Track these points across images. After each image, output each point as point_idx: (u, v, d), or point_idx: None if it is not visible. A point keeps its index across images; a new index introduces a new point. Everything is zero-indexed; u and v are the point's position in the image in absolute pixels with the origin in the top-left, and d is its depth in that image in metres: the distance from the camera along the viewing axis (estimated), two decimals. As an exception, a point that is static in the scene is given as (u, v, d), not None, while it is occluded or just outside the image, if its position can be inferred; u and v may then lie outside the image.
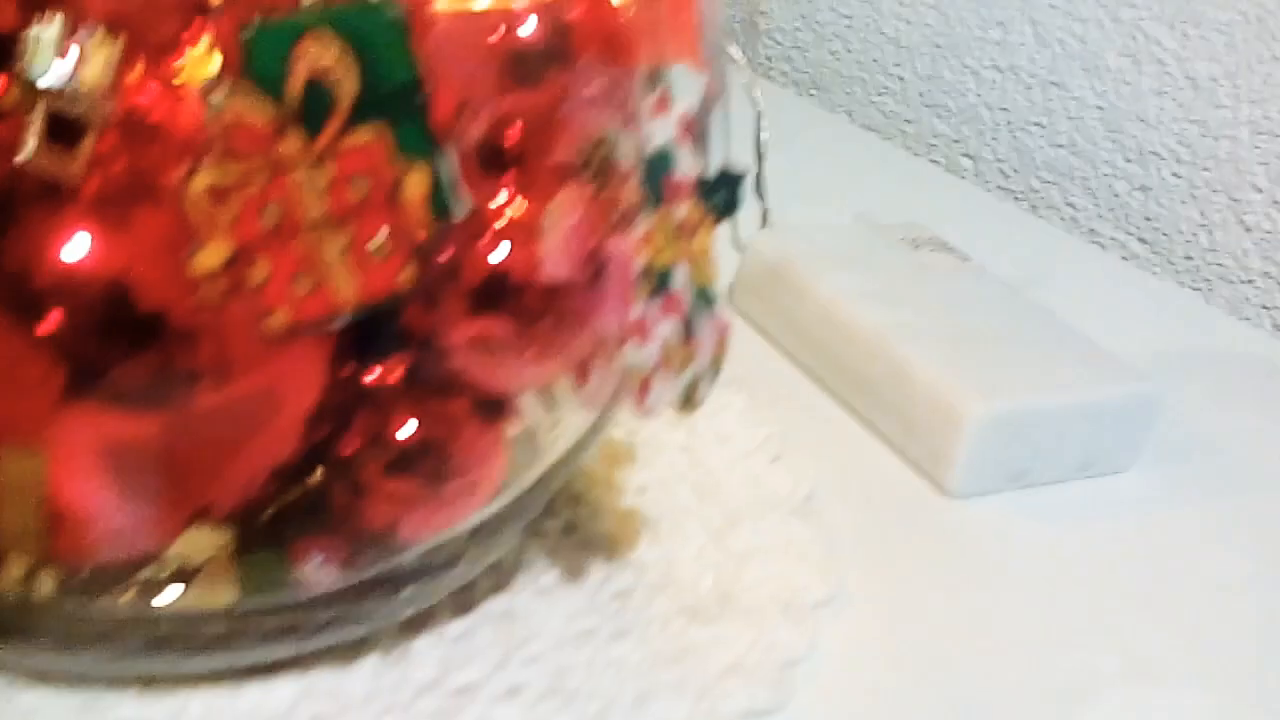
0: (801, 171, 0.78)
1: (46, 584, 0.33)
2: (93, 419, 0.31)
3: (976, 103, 0.86)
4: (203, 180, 0.26)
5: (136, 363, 0.32)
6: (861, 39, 0.92)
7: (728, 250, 0.62)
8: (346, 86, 0.27)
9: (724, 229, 0.36)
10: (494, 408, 0.38)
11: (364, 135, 0.28)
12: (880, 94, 0.92)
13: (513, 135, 0.34)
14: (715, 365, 0.35)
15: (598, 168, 0.32)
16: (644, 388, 0.32)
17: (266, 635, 0.37)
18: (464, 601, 0.42)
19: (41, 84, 0.28)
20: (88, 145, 0.28)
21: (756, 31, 0.71)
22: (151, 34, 0.29)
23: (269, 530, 0.37)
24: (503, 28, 0.34)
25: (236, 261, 0.27)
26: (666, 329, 0.32)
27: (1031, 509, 0.51)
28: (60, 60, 0.28)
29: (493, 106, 0.33)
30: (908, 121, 0.91)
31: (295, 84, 0.27)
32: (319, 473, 0.37)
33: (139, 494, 0.32)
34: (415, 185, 0.28)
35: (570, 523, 0.46)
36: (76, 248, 0.30)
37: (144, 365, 0.32)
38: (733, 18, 0.86)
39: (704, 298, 0.34)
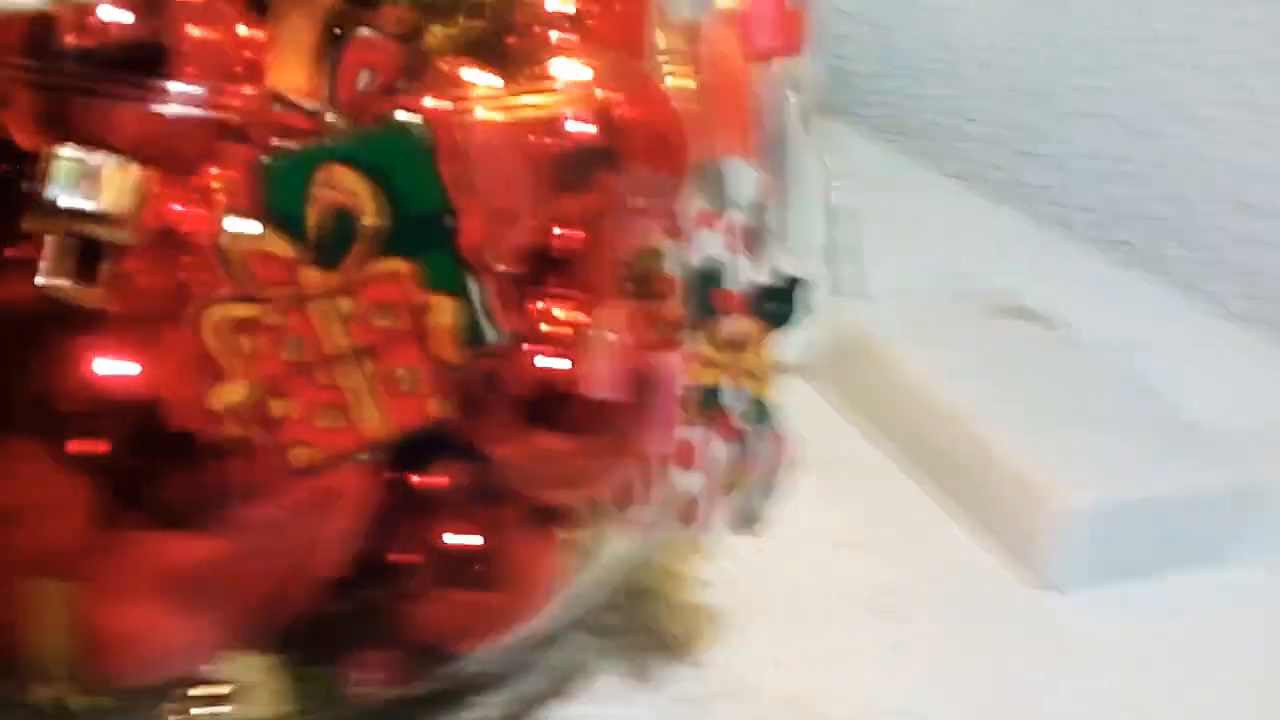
0: (881, 219, 0.76)
1: (78, 702, 0.32)
2: (132, 541, 0.30)
3: (1064, 150, 0.83)
4: (219, 313, 0.25)
5: (173, 482, 0.30)
6: (940, 81, 0.90)
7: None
8: (369, 217, 0.26)
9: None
10: (547, 515, 0.36)
11: (390, 265, 0.26)
12: (962, 140, 0.89)
13: (559, 242, 0.32)
14: (774, 482, 0.33)
15: (644, 281, 0.30)
16: (692, 512, 0.30)
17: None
18: (527, 711, 0.40)
19: (62, 204, 0.27)
20: (107, 268, 0.27)
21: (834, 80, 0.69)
22: (175, 156, 0.28)
23: (317, 641, 0.35)
24: (547, 130, 0.32)
25: (257, 396, 0.25)
26: (719, 450, 0.31)
27: (1129, 603, 0.48)
28: (81, 182, 0.27)
29: (538, 211, 0.32)
30: (995, 168, 0.88)
31: (315, 216, 0.25)
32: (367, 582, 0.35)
33: (184, 615, 0.31)
34: (444, 314, 0.27)
35: (633, 620, 0.44)
36: (105, 367, 0.29)
37: (180, 484, 0.31)
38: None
39: (762, 412, 0.32)
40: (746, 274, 0.31)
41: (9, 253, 0.28)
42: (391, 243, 0.26)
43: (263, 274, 0.25)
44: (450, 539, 0.35)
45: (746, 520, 0.32)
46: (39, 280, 0.26)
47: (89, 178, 0.27)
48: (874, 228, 0.66)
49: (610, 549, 0.39)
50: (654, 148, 0.35)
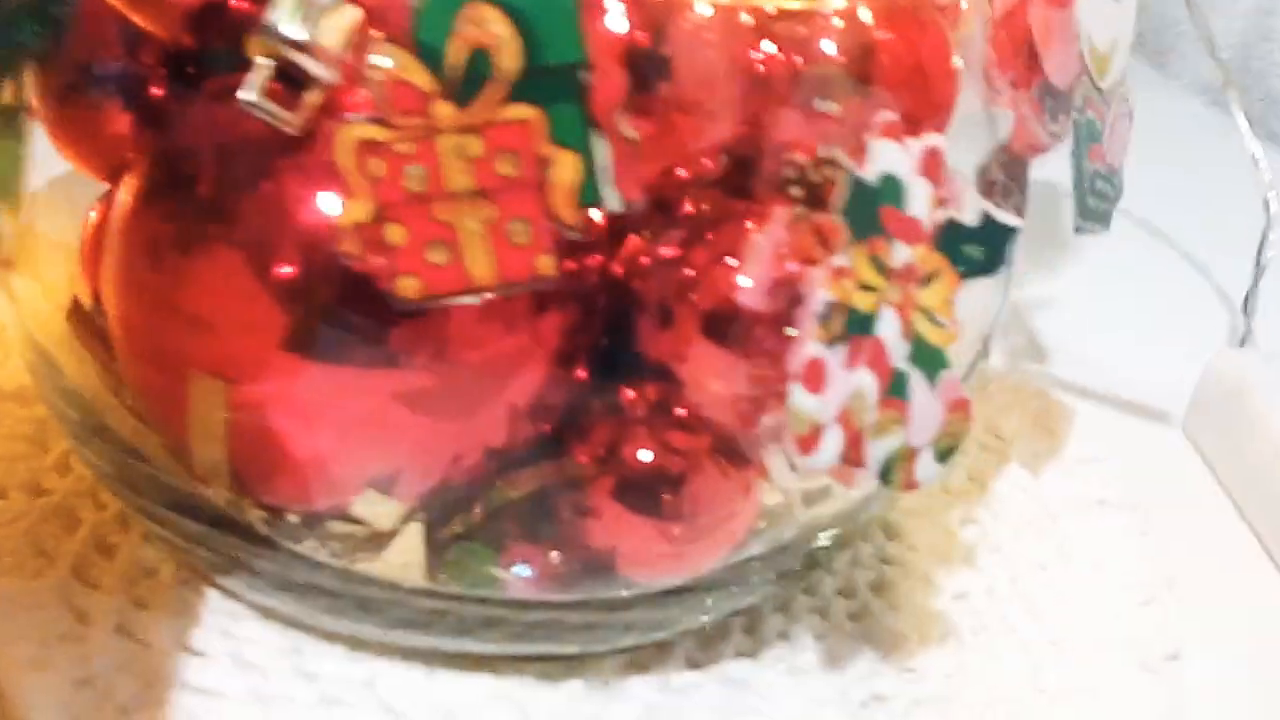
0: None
1: (253, 513, 0.34)
2: (308, 367, 0.32)
3: None
4: (354, 133, 0.26)
5: (356, 325, 0.32)
6: None
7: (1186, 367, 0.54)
8: (507, 60, 0.26)
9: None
10: (737, 453, 0.35)
11: (519, 111, 0.26)
12: None
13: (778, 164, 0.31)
14: (943, 444, 0.30)
15: (813, 189, 0.28)
16: (809, 440, 0.28)
17: (468, 627, 0.37)
18: (704, 655, 0.39)
19: (280, 30, 0.29)
20: (312, 99, 0.29)
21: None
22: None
23: (487, 525, 0.36)
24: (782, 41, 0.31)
25: (376, 219, 0.26)
26: (861, 381, 0.28)
27: None
28: (302, 14, 0.29)
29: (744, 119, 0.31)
30: None
31: (456, 53, 0.26)
32: (544, 476, 0.36)
33: (334, 447, 0.33)
34: (565, 169, 0.26)
35: (863, 609, 0.42)
36: (321, 206, 0.31)
37: (361, 328, 0.32)
38: None
39: (929, 359, 0.29)
40: (945, 206, 0.28)
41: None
42: (524, 89, 0.26)
43: (399, 101, 0.27)
44: (641, 455, 0.35)
45: (892, 475, 0.29)
46: (241, 94, 0.28)
47: (310, 12, 0.29)
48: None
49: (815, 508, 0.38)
50: (913, 82, 0.33)
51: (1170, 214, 0.69)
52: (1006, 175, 0.32)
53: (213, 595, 0.38)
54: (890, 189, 0.28)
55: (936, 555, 0.44)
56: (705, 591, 0.38)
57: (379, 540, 0.35)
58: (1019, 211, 0.33)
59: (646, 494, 0.35)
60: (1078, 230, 0.36)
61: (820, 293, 0.27)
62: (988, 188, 0.32)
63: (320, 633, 0.37)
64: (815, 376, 0.27)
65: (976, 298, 0.37)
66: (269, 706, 0.35)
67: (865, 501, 0.39)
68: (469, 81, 0.27)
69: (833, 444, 0.28)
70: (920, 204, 0.28)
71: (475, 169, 0.27)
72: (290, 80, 0.29)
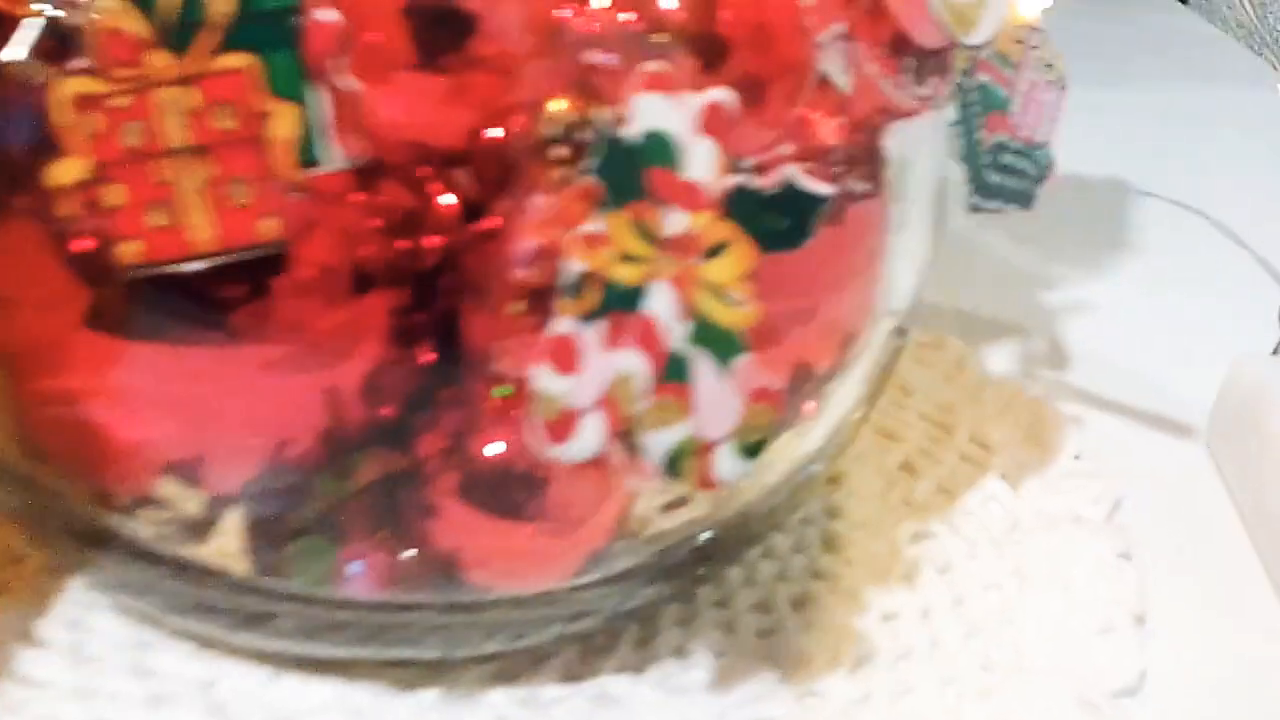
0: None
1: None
2: (107, 344, 0.31)
3: None
4: (70, 87, 0.25)
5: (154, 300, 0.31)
6: None
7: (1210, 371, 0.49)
8: (218, 3, 0.24)
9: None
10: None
11: (233, 60, 0.24)
12: None
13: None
14: (747, 438, 0.27)
15: (580, 151, 0.26)
16: (560, 426, 0.25)
17: (311, 629, 0.35)
18: (584, 668, 0.36)
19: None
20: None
21: None
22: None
23: (327, 518, 0.34)
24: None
25: (93, 178, 0.25)
26: (623, 361, 0.25)
27: None
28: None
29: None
30: None
31: (168, -5, 0.24)
32: (386, 467, 0.34)
33: (128, 427, 0.31)
34: (283, 123, 0.24)
35: (777, 625, 0.38)
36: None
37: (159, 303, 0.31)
38: None
39: (718, 341, 0.26)
40: (717, 167, 0.25)
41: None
42: (239, 35, 0.24)
43: (114, 51, 0.25)
44: (489, 449, 0.33)
45: (679, 469, 0.26)
46: (6, 54, 0.27)
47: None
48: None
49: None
50: (757, 40, 0.30)
51: (1226, 210, 0.64)
52: (850, 141, 0.29)
53: (75, 587, 0.37)
54: (657, 148, 0.25)
55: (874, 572, 0.41)
56: (572, 595, 0.35)
57: (198, 528, 0.33)
58: (873, 181, 0.29)
59: (494, 492, 0.33)
60: (973, 209, 0.32)
61: (571, 262, 0.24)
62: (824, 154, 0.28)
63: (171, 630, 0.36)
64: (565, 355, 0.25)
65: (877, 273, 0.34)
66: (91, 701, 0.34)
67: (755, 501, 0.35)
68: (184, 27, 0.25)
69: (592, 432, 0.25)
70: (702, 166, 0.25)
71: (193, 123, 0.25)
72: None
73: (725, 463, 0.27)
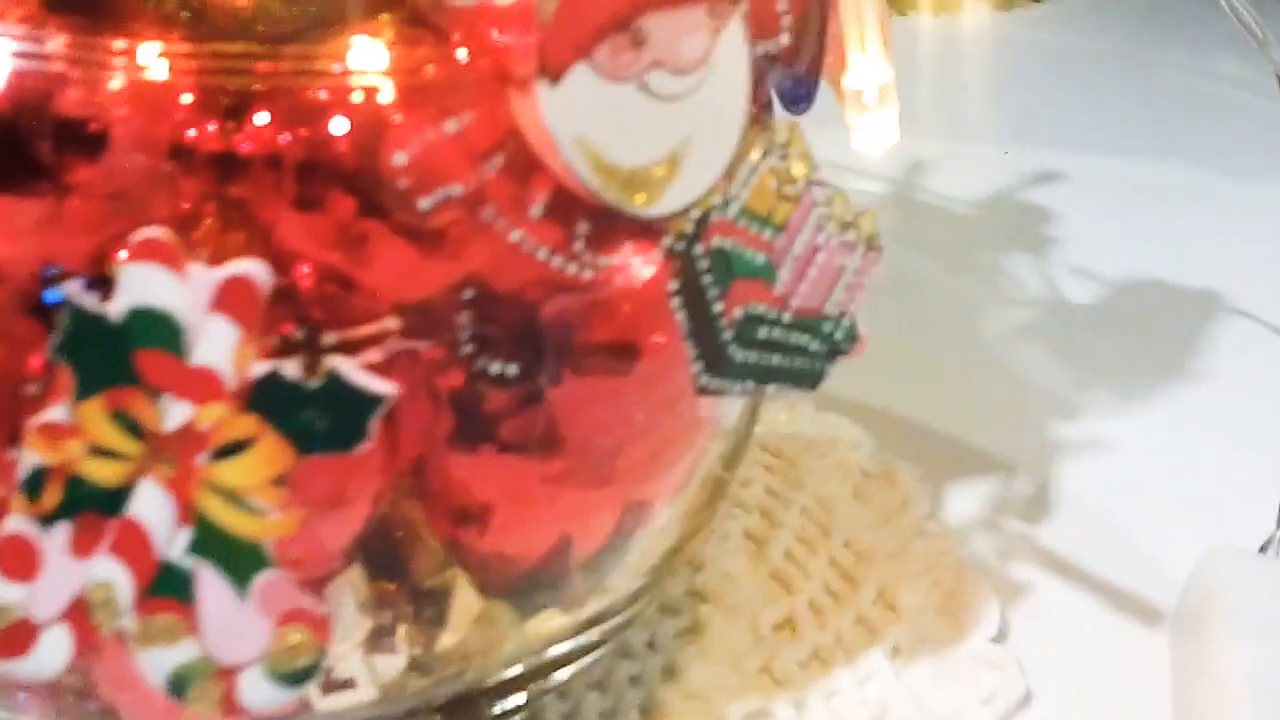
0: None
1: None
2: None
3: None
4: None
5: None
6: None
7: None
8: None
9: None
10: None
11: None
12: None
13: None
14: (281, 663, 0.23)
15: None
16: (15, 639, 0.21)
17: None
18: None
19: None
20: None
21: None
22: None
23: None
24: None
25: None
26: (99, 570, 0.22)
27: None
28: None
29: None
30: None
31: None
32: None
33: None
34: None
35: None
36: None
37: None
38: None
39: (231, 554, 0.22)
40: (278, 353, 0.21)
41: None
42: None
43: None
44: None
45: (207, 698, 0.22)
46: None
47: None
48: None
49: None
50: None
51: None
52: (481, 319, 0.24)
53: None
54: (149, 327, 0.21)
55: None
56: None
57: None
58: (526, 363, 0.25)
59: None
60: (702, 391, 0.27)
61: (27, 454, 0.21)
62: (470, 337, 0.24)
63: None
64: (17, 560, 0.21)
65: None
66: None
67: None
68: None
69: (55, 646, 0.22)
70: (215, 350, 0.21)
71: None
72: None
73: (254, 690, 0.23)
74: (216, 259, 0.23)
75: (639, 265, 0.25)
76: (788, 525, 0.44)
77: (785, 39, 0.27)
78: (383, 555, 0.29)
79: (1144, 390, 0.55)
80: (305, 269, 0.25)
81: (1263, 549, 0.41)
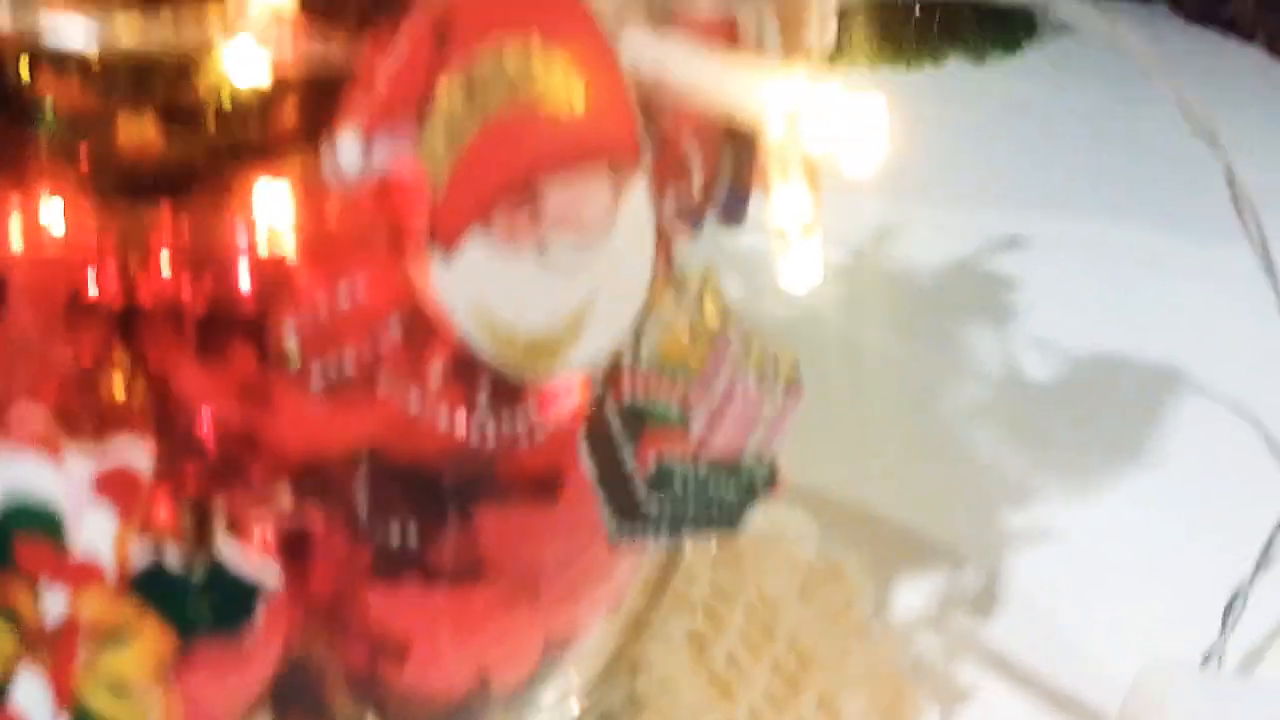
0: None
1: None
2: None
3: None
4: None
5: None
6: None
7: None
8: None
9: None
10: None
11: None
12: None
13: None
14: None
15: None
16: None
17: None
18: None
19: None
20: None
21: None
22: None
23: None
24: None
25: None
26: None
27: None
28: None
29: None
30: None
31: None
32: None
33: None
34: None
35: None
36: None
37: None
38: None
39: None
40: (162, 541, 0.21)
41: None
42: None
43: None
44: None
45: None
46: None
47: None
48: None
49: None
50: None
51: None
52: (376, 480, 0.24)
53: None
54: (26, 515, 0.20)
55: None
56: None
57: None
58: (400, 534, 0.24)
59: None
60: (616, 540, 0.26)
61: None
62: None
63: None
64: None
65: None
66: None
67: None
68: None
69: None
70: (97, 538, 0.21)
71: None
72: None
73: None
74: (106, 428, 0.22)
75: (543, 426, 0.25)
76: (732, 626, 0.44)
77: (696, 181, 0.27)
78: (294, 698, 0.28)
79: (1097, 472, 0.54)
80: (205, 425, 0.24)
81: (1205, 660, 0.40)
